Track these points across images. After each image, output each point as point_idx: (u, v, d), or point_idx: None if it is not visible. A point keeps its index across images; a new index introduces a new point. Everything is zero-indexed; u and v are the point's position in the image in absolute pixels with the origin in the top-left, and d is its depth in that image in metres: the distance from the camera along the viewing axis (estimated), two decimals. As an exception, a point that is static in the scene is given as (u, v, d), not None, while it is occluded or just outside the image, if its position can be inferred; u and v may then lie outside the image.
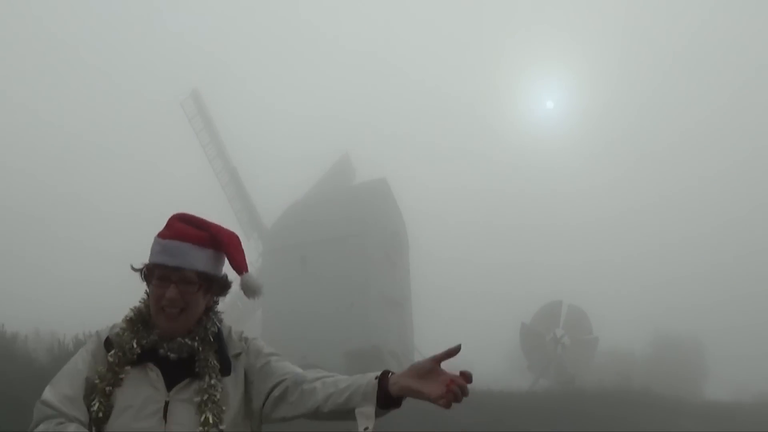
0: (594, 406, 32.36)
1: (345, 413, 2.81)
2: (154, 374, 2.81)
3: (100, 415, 2.74)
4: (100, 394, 2.76)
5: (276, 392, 2.89)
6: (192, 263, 2.84)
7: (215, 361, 2.86)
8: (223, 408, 2.80)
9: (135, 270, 2.93)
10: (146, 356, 2.84)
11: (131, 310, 2.95)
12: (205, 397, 2.78)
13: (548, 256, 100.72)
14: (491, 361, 63.80)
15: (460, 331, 75.23)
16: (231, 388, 2.87)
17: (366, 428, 2.67)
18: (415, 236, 52.74)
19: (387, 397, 2.72)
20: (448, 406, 2.63)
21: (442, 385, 2.70)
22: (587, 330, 47.93)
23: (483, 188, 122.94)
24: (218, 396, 2.80)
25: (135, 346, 2.83)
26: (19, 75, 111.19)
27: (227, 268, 3.07)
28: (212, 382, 2.81)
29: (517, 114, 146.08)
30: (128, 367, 2.81)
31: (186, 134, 50.84)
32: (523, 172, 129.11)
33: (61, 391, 2.80)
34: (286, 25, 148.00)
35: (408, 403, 2.77)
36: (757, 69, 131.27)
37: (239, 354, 2.96)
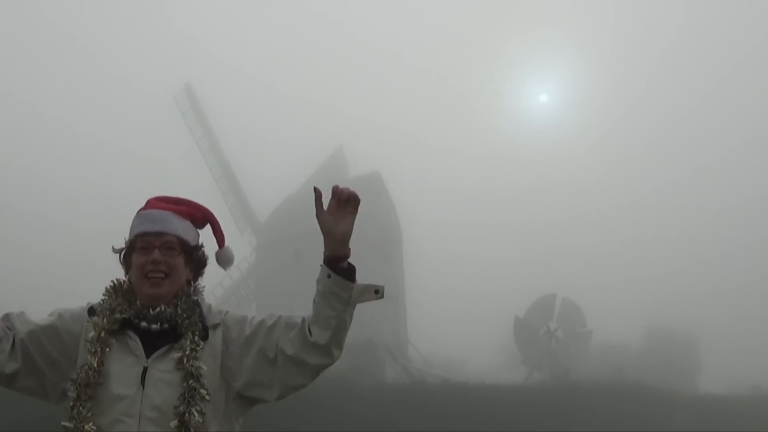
0: (588, 399, 32.41)
1: (333, 303, 3.21)
2: (134, 342, 2.82)
3: (90, 378, 2.73)
4: (91, 356, 2.76)
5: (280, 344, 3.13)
6: (173, 228, 2.94)
7: (198, 322, 2.90)
8: (203, 367, 2.81)
9: (116, 251, 2.99)
10: (127, 327, 2.86)
11: (111, 281, 2.98)
12: (187, 352, 2.80)
13: (542, 249, 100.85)
14: (485, 354, 64.05)
15: (454, 325, 75.45)
16: (208, 355, 2.87)
17: (376, 291, 3.27)
18: (408, 230, 52.82)
19: (338, 269, 3.14)
20: (343, 196, 3.13)
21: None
22: (581, 323, 48.07)
23: (476, 182, 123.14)
24: (199, 353, 2.82)
25: (118, 314, 2.85)
26: (11, 67, 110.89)
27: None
28: (195, 339, 2.84)
29: (511, 107, 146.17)
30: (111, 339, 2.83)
31: (179, 128, 50.84)
32: (516, 165, 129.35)
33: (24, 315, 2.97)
34: (280, 18, 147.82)
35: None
36: (748, 56, 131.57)
37: (217, 325, 2.98)
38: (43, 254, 79.00)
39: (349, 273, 3.10)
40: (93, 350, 2.77)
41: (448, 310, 79.12)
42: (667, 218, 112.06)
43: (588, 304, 49.52)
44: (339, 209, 3.12)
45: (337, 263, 3.09)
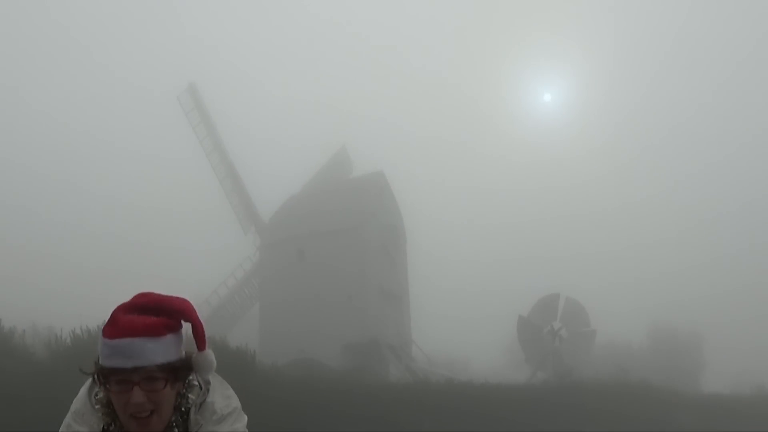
0: (591, 398, 32.41)
1: None
2: None
3: None
4: None
5: None
6: (151, 359, 2.47)
7: None
8: None
9: (84, 373, 2.59)
10: None
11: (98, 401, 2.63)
12: None
13: (546, 249, 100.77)
14: (489, 354, 64.03)
15: (458, 325, 75.38)
16: None
17: None
18: (412, 229, 52.81)
19: None
20: None
21: None
22: (585, 322, 47.99)
23: (480, 182, 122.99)
24: None
25: None
26: (14, 66, 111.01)
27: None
28: None
29: (515, 107, 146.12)
30: None
31: (183, 128, 50.85)
32: (520, 165, 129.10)
33: None
34: (284, 18, 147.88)
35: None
36: (752, 58, 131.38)
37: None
38: (44, 254, 79.04)
39: None
40: None
41: (451, 310, 79.12)
42: (672, 218, 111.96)
43: (592, 304, 49.50)
44: None
45: None
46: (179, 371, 2.54)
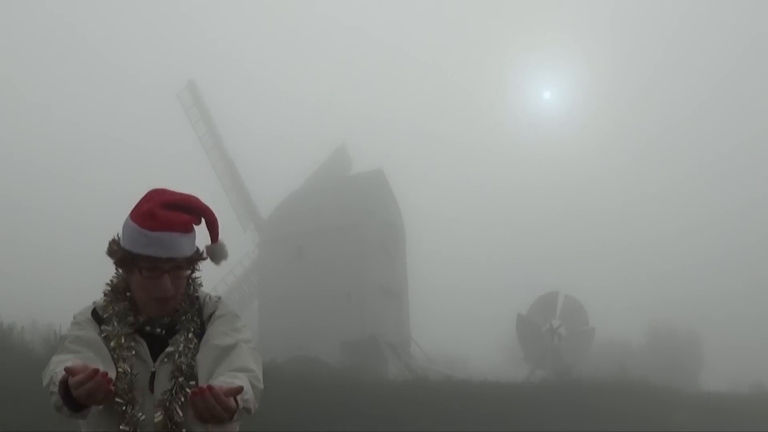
0: (590, 396, 32.44)
1: None
2: (142, 348, 2.82)
3: (132, 382, 2.74)
4: (123, 362, 2.75)
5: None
6: (183, 251, 2.83)
7: (195, 318, 2.90)
8: (194, 363, 2.80)
9: (109, 253, 2.88)
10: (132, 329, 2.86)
11: (109, 282, 2.94)
12: (180, 348, 2.80)
13: (545, 247, 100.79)
14: (488, 352, 64.09)
15: (457, 322, 75.44)
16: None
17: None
18: (411, 227, 52.82)
19: None
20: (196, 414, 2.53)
21: None
22: (583, 321, 48.03)
23: (480, 179, 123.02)
24: (192, 349, 2.81)
25: (130, 319, 2.84)
26: (14, 61, 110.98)
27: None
28: (189, 335, 2.83)
29: (515, 105, 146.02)
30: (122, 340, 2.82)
31: (183, 125, 50.85)
32: (520, 163, 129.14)
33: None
34: (284, 15, 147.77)
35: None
36: (751, 54, 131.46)
37: (212, 314, 2.95)
38: (43, 250, 79.07)
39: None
40: (123, 357, 2.76)
41: (450, 308, 79.14)
42: (671, 216, 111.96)
43: (591, 302, 49.51)
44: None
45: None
46: (197, 260, 2.93)
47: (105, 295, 2.92)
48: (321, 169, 53.93)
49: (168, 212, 2.82)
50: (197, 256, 2.93)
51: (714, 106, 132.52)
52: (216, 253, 2.99)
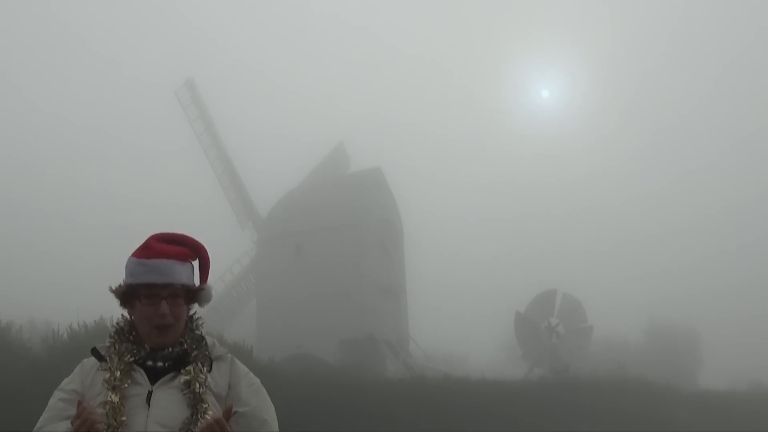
0: (588, 395, 32.45)
1: None
2: (139, 374, 2.93)
3: (117, 412, 2.81)
4: (113, 393, 2.84)
5: None
6: (179, 278, 3.00)
7: (206, 353, 3.03)
8: (209, 393, 2.92)
9: (114, 292, 3.04)
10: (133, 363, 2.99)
11: (115, 324, 3.09)
12: (194, 376, 2.90)
13: (543, 244, 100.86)
14: (486, 350, 64.15)
15: (455, 320, 75.47)
16: (212, 385, 2.97)
17: None
18: (409, 225, 52.81)
19: None
20: None
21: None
22: (582, 319, 48.03)
23: (478, 178, 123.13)
24: (205, 380, 2.92)
25: (128, 358, 2.94)
26: (10, 59, 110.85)
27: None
28: (201, 367, 2.95)
29: (513, 103, 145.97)
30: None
31: (180, 123, 50.80)
32: (518, 161, 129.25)
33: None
34: (282, 13, 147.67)
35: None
36: (748, 52, 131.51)
37: (220, 357, 3.08)
38: (41, 248, 78.98)
39: None
40: (112, 387, 2.85)
41: (449, 306, 79.14)
42: (669, 214, 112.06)
43: (589, 300, 49.51)
44: None
45: None
46: (192, 295, 3.07)
47: (110, 336, 3.04)
48: (319, 167, 53.92)
49: (164, 244, 3.06)
50: (196, 290, 3.09)
51: (712, 104, 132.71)
52: (202, 294, 3.13)
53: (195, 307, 3.16)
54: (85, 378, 2.97)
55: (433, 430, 25.49)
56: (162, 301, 2.94)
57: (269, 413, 3.06)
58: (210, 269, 3.19)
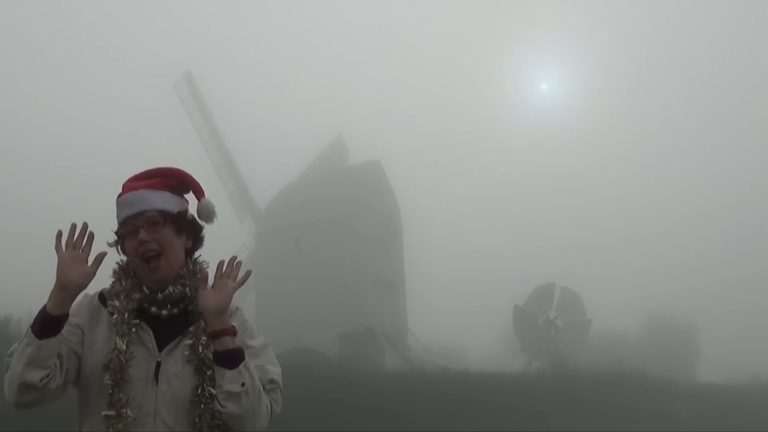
0: (586, 387, 32.46)
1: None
2: (147, 334, 2.80)
3: (123, 362, 2.73)
4: (120, 339, 2.75)
5: None
6: (150, 203, 2.89)
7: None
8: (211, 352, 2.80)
9: (111, 245, 2.95)
10: (137, 314, 2.85)
11: (116, 263, 2.96)
12: (198, 339, 2.81)
13: (542, 238, 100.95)
14: (485, 343, 64.22)
15: (454, 313, 75.51)
16: None
17: (242, 384, 2.74)
18: (408, 218, 52.81)
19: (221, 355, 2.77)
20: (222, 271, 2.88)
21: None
22: (580, 312, 48.08)
23: (477, 170, 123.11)
24: (211, 350, 2.80)
25: (136, 295, 2.85)
26: (9, 52, 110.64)
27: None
28: (204, 326, 2.81)
29: (513, 96, 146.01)
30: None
31: (179, 116, 50.75)
32: (517, 154, 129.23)
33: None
34: (281, 5, 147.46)
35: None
36: (747, 47, 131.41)
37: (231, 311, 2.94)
38: (39, 240, 78.75)
39: (230, 358, 2.77)
40: (120, 333, 2.76)
41: (447, 299, 79.27)
42: (668, 208, 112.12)
43: (587, 293, 49.59)
44: (218, 281, 2.89)
45: (218, 337, 2.78)
46: (180, 220, 2.95)
47: (114, 273, 2.94)
48: (318, 160, 53.88)
49: (134, 181, 2.99)
50: (182, 216, 2.98)
51: (709, 98, 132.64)
52: (200, 210, 3.06)
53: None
54: (91, 314, 2.89)
55: (431, 423, 25.51)
56: (139, 229, 2.85)
57: (275, 372, 3.02)
58: (201, 185, 3.10)
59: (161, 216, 2.89)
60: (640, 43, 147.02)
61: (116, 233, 2.94)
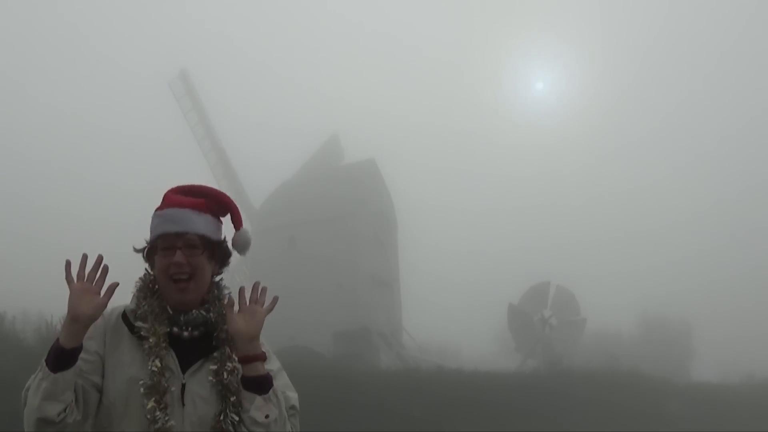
0: (581, 386, 32.47)
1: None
2: (170, 357, 2.80)
3: (164, 383, 2.73)
4: (158, 361, 2.74)
5: None
6: (193, 227, 2.89)
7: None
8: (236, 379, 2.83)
9: (137, 251, 2.95)
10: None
11: (139, 280, 2.95)
12: (222, 365, 2.82)
13: (537, 236, 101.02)
14: (479, 341, 64.27)
15: (448, 312, 75.57)
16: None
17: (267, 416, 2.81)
18: (403, 217, 52.83)
19: (250, 380, 2.83)
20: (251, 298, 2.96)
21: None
22: (575, 311, 48.12)
23: (472, 169, 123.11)
24: (233, 368, 2.84)
25: (162, 315, 2.84)
26: (4, 51, 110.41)
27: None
28: (230, 352, 2.86)
29: (508, 95, 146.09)
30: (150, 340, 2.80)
31: (174, 114, 50.72)
32: (512, 153, 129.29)
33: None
34: (277, 5, 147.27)
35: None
36: (744, 45, 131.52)
37: None
38: (35, 239, 78.83)
39: (260, 384, 2.85)
40: (158, 354, 2.75)
41: (442, 297, 79.33)
42: (663, 207, 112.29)
43: (582, 292, 49.60)
44: (248, 307, 2.97)
45: (249, 362, 2.86)
46: (215, 248, 2.99)
47: (137, 290, 2.92)
48: (313, 158, 53.86)
49: (179, 195, 3.00)
50: (218, 245, 3.03)
51: (705, 97, 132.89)
52: (237, 240, 3.15)
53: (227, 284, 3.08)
54: (111, 333, 2.84)
55: (426, 422, 25.51)
56: (176, 251, 2.83)
57: (294, 398, 3.14)
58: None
59: (201, 241, 2.92)
60: (635, 42, 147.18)
61: (148, 242, 2.92)
